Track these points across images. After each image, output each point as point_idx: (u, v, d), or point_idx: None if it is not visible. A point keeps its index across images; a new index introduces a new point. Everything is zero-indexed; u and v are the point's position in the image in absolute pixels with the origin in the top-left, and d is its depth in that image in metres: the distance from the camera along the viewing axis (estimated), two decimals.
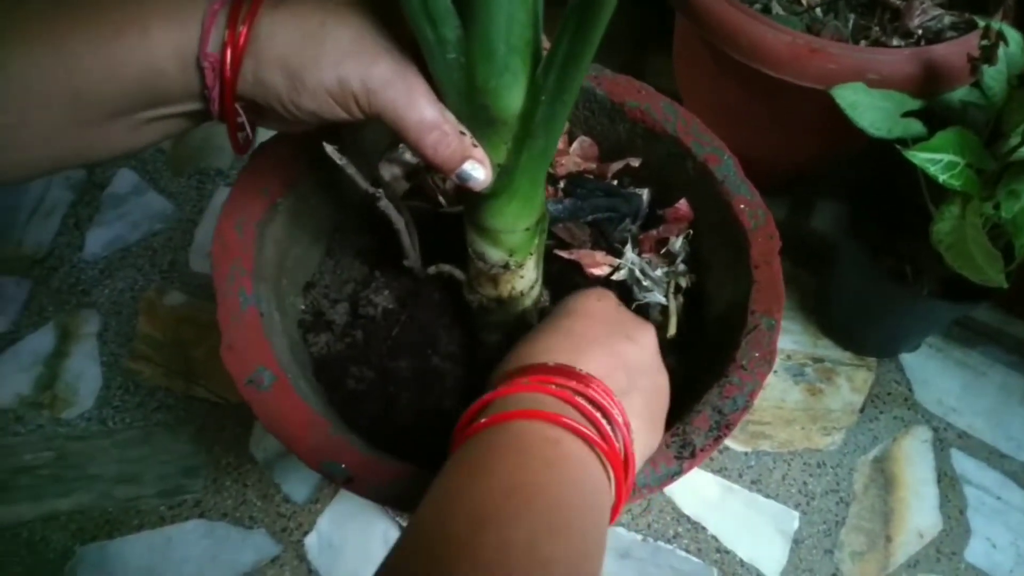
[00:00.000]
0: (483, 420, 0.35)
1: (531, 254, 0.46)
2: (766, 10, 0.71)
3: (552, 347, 0.39)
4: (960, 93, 0.64)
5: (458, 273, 0.50)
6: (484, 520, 0.29)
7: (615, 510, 0.36)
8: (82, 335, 0.75)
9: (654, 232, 0.53)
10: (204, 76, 0.34)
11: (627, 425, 0.36)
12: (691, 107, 0.55)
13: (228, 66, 0.34)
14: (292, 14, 0.34)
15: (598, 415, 0.35)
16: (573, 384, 0.36)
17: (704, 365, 0.48)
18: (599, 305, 0.43)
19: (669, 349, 0.51)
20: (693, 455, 0.41)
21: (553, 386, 0.36)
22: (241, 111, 0.37)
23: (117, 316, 0.76)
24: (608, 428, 0.35)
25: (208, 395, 0.72)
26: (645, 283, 0.50)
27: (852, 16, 0.71)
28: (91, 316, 0.76)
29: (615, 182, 0.57)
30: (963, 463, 0.71)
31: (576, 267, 0.52)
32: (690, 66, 0.79)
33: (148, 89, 0.34)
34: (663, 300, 0.51)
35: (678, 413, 0.43)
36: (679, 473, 0.40)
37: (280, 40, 0.34)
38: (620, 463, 0.35)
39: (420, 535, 0.30)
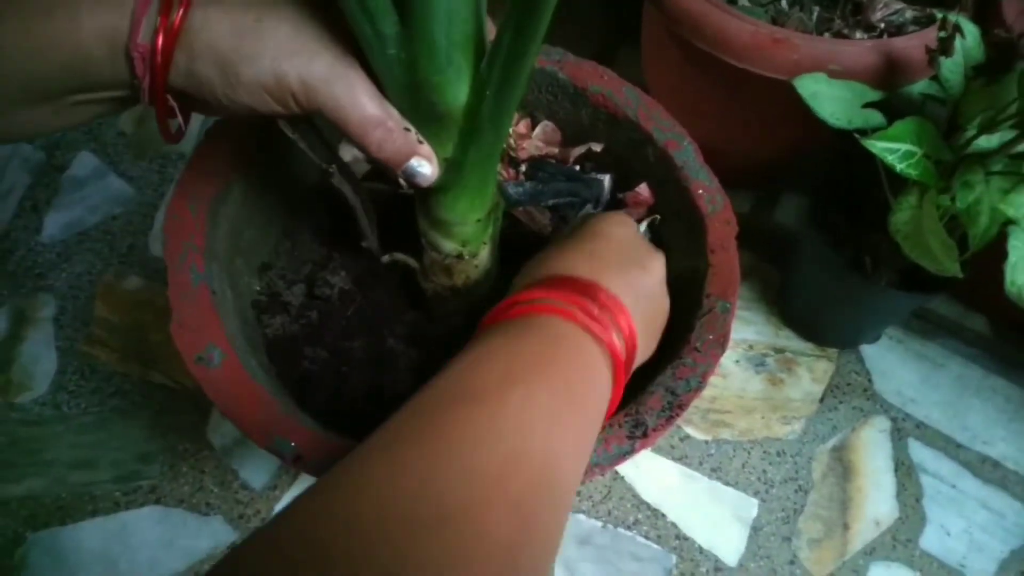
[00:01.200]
0: (514, 311, 0.37)
1: (485, 243, 0.46)
2: (731, 1, 0.71)
3: (577, 265, 0.41)
4: (920, 86, 0.64)
5: (412, 262, 0.50)
6: (513, 379, 0.31)
7: (608, 414, 0.39)
8: (38, 319, 0.74)
9: None
10: (134, 66, 0.33)
11: (634, 342, 0.39)
12: (659, 99, 0.55)
13: (159, 57, 0.33)
14: (228, 7, 0.33)
15: (614, 330, 0.37)
16: (600, 298, 0.38)
17: (662, 350, 0.48)
18: (620, 231, 0.44)
19: None
20: (645, 435, 0.41)
21: (578, 297, 0.37)
22: (173, 101, 0.36)
23: (74, 300, 0.75)
24: (619, 344, 0.37)
25: (165, 380, 0.71)
26: None
27: (816, 8, 0.72)
28: (47, 300, 0.75)
29: (577, 167, 0.57)
30: (920, 453, 0.72)
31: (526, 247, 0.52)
32: (657, 57, 0.79)
33: (76, 74, 0.33)
34: None
35: (632, 394, 0.43)
36: (631, 452, 0.40)
37: (215, 33, 0.33)
38: (623, 375, 0.38)
39: (447, 386, 0.32)
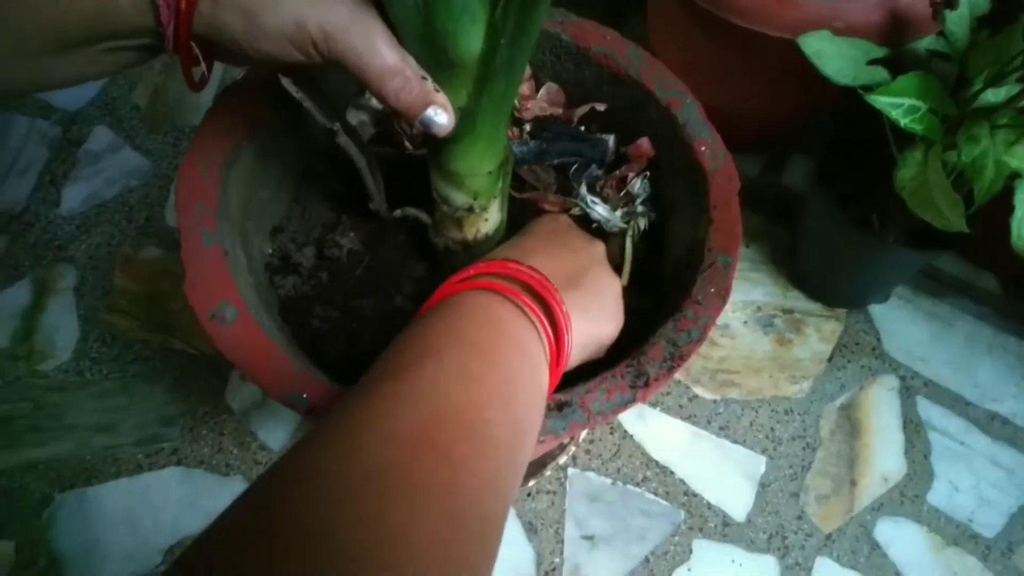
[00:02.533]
0: (436, 296, 0.38)
1: (495, 197, 0.47)
2: None
3: (500, 253, 0.42)
4: (926, 42, 0.64)
5: (424, 216, 0.51)
6: (427, 352, 0.33)
7: (549, 390, 0.39)
8: (59, 289, 0.76)
9: (616, 172, 0.54)
10: (159, 13, 0.34)
11: (565, 314, 0.38)
12: (666, 63, 0.55)
13: (183, 4, 0.34)
14: None
15: (536, 303, 0.38)
16: (510, 268, 0.39)
17: (664, 304, 0.49)
18: (550, 225, 0.47)
19: (631, 292, 0.52)
20: (647, 384, 0.42)
21: (497, 275, 0.39)
22: (197, 49, 0.37)
23: (94, 271, 0.77)
24: (543, 313, 0.38)
25: (184, 347, 0.73)
26: (595, 216, 0.51)
27: None
28: (68, 271, 0.77)
29: (582, 127, 0.57)
30: (928, 410, 0.72)
31: (533, 207, 0.53)
32: (663, 21, 0.79)
33: (103, 22, 0.34)
34: (620, 225, 0.52)
35: (635, 346, 0.44)
36: (632, 401, 0.41)
37: None
38: (554, 345, 0.38)
39: (376, 368, 0.33)
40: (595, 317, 0.43)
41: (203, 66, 0.39)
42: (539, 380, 0.37)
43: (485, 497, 0.28)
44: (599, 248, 0.47)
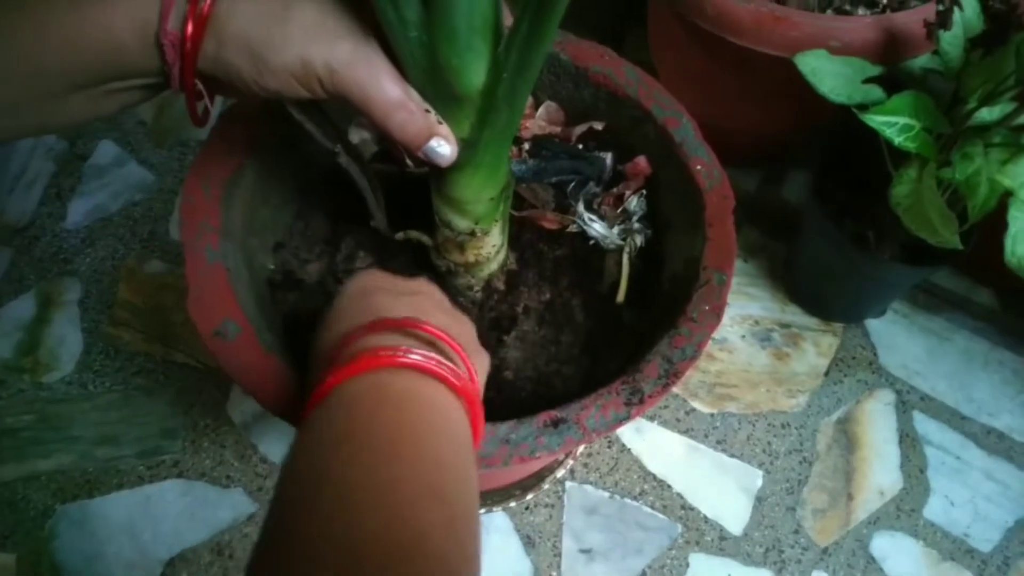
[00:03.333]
0: (314, 398, 0.33)
1: (496, 221, 0.48)
2: None
3: (353, 318, 0.38)
4: (921, 60, 0.65)
5: (426, 239, 0.51)
6: (325, 477, 0.29)
7: (475, 433, 0.36)
8: (63, 302, 0.77)
9: (614, 190, 0.55)
10: (164, 53, 0.35)
11: (439, 330, 0.36)
12: (666, 81, 0.56)
13: (188, 44, 0.34)
14: None
15: (433, 351, 0.35)
16: (387, 324, 0.35)
17: (660, 321, 0.50)
18: (369, 280, 0.41)
19: (628, 309, 0.53)
20: (642, 401, 0.42)
21: (381, 337, 0.35)
22: (201, 85, 0.37)
23: (98, 284, 0.78)
24: (446, 360, 0.35)
25: (187, 360, 0.73)
26: (592, 233, 0.52)
27: None
28: (72, 284, 0.78)
29: (580, 146, 0.58)
30: (925, 425, 0.73)
31: (532, 225, 0.54)
32: (664, 39, 0.80)
33: (109, 64, 0.35)
34: (618, 242, 0.53)
35: (630, 364, 0.45)
36: (627, 418, 0.42)
37: (242, 20, 0.34)
38: (470, 394, 0.35)
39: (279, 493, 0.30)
40: (478, 349, 0.41)
41: (207, 101, 0.39)
42: (461, 437, 0.34)
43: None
44: (432, 286, 0.43)
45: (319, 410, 0.33)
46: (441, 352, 0.35)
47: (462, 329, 0.40)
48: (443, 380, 0.34)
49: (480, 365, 0.39)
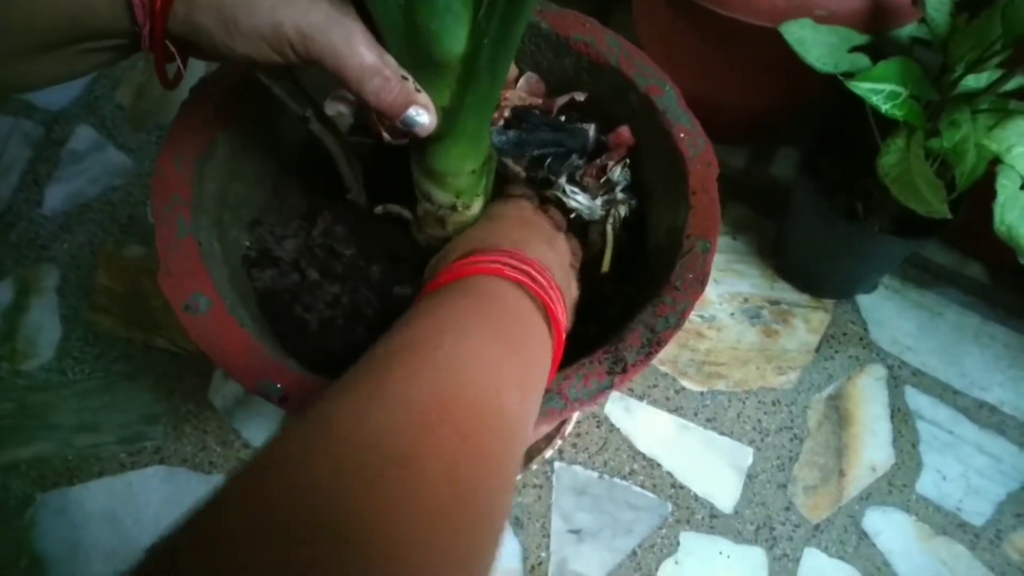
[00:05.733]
0: (445, 276, 0.37)
1: (479, 195, 0.46)
2: None
3: (497, 239, 0.42)
4: (908, 29, 0.64)
5: (406, 213, 0.50)
6: (444, 329, 0.32)
7: (552, 371, 0.39)
8: (41, 289, 0.75)
9: (597, 161, 0.54)
10: (134, 14, 0.34)
11: (563, 314, 0.39)
12: (652, 55, 0.54)
13: (158, 4, 0.33)
14: None
15: (543, 290, 0.38)
16: (522, 257, 0.38)
17: (644, 291, 0.49)
18: (520, 213, 0.47)
19: (613, 280, 0.52)
20: (624, 370, 0.41)
21: (505, 258, 0.38)
22: (173, 48, 0.36)
23: (77, 270, 0.76)
24: (550, 300, 0.38)
25: (168, 345, 0.72)
26: (574, 206, 0.51)
27: None
28: (50, 270, 0.76)
29: (562, 117, 0.57)
30: (916, 399, 0.72)
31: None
32: (648, 12, 0.78)
33: (79, 24, 0.34)
34: (601, 213, 0.52)
35: (613, 332, 0.44)
36: (610, 387, 0.41)
37: None
38: (559, 327, 0.38)
39: (383, 343, 0.32)
40: (568, 314, 0.43)
41: (179, 64, 0.38)
42: (546, 370, 0.37)
43: (492, 476, 0.28)
44: (563, 240, 0.48)
45: (441, 290, 0.37)
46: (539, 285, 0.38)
47: (563, 285, 0.42)
48: (533, 293, 0.37)
49: (568, 294, 0.43)
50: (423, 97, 0.38)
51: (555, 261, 0.43)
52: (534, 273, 0.38)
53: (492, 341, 0.32)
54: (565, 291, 0.42)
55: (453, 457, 0.26)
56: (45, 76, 0.36)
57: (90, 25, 0.34)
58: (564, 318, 0.39)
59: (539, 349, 0.36)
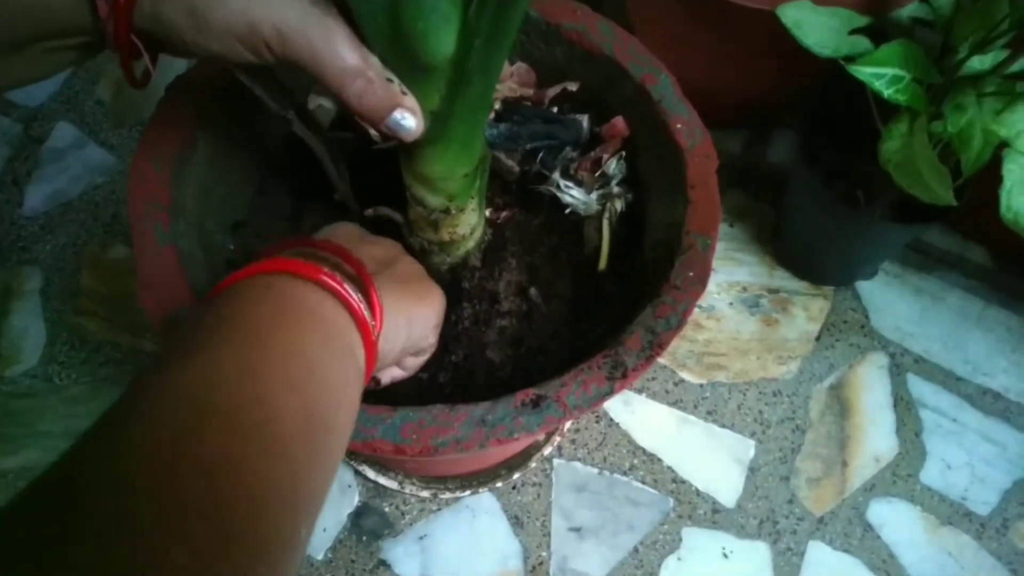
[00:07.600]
0: (225, 282, 0.32)
1: (472, 197, 0.44)
2: None
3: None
4: (909, 9, 0.62)
5: (397, 216, 0.48)
6: (195, 346, 0.28)
7: (367, 372, 0.34)
8: (24, 292, 0.74)
9: (591, 153, 0.52)
10: (97, 9, 0.32)
11: (368, 274, 0.34)
12: (646, 41, 0.53)
13: (121, 0, 0.32)
14: None
15: (330, 267, 0.33)
16: (305, 243, 0.35)
17: (643, 289, 0.47)
18: (342, 231, 0.41)
19: (609, 279, 0.50)
20: (624, 375, 0.40)
21: (288, 251, 0.34)
22: (140, 44, 0.34)
23: (60, 272, 0.74)
24: (343, 277, 0.33)
25: (155, 348, 0.70)
26: (568, 200, 0.49)
27: None
28: (33, 272, 0.74)
29: (554, 108, 0.55)
30: (919, 387, 0.71)
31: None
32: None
33: (40, 21, 0.32)
34: (596, 208, 0.50)
35: (611, 335, 0.42)
36: (610, 393, 0.39)
37: None
38: (366, 324, 0.33)
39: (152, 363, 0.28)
40: (416, 290, 0.39)
41: (147, 61, 0.36)
42: (344, 351, 0.32)
43: (268, 503, 0.24)
44: (395, 245, 0.43)
45: (211, 299, 0.32)
46: (346, 275, 0.33)
47: (401, 280, 0.38)
48: (344, 301, 0.32)
49: (398, 308, 0.37)
50: (409, 100, 0.36)
51: (381, 255, 0.39)
52: (318, 248, 0.34)
53: (243, 347, 0.28)
54: (397, 287, 0.37)
55: (201, 500, 0.23)
56: (7, 78, 0.34)
57: (50, 22, 0.32)
58: (372, 286, 0.34)
59: (319, 335, 0.31)
